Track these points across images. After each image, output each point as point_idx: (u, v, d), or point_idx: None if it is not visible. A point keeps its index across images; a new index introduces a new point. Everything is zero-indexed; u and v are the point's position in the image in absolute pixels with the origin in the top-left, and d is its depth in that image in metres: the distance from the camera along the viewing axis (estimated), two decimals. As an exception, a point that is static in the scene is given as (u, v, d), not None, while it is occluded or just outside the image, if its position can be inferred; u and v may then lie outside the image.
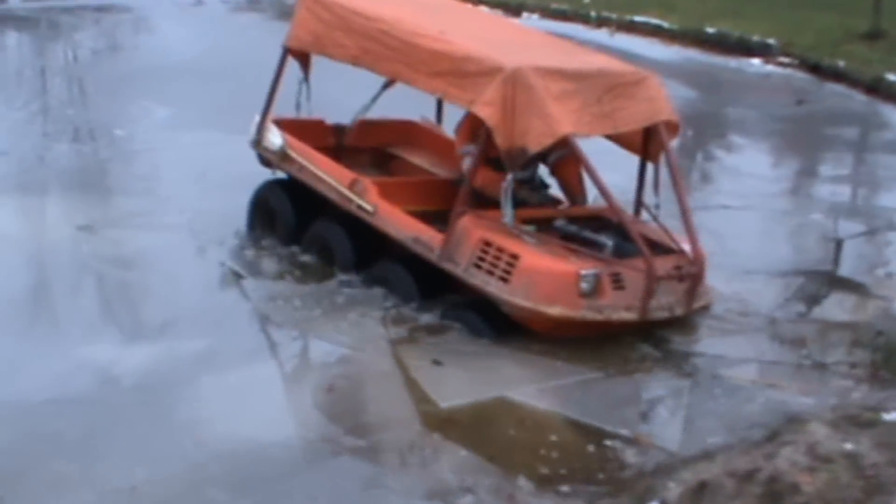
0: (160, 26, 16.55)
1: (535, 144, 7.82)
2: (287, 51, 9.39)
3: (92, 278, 8.84)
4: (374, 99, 9.79)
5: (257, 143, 9.47)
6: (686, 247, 8.13)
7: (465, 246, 7.96)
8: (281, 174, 9.51)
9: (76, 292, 8.55)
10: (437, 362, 7.61)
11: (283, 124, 9.45)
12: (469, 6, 10.77)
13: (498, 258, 7.81)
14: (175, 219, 9.89)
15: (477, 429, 6.89)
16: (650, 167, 8.69)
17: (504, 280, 7.76)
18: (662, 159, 8.56)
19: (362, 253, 8.75)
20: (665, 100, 8.50)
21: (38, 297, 8.41)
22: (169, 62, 14.59)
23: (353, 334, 7.98)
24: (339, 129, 10.00)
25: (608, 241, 8.25)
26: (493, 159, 8.22)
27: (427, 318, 8.18)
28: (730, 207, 10.91)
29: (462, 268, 7.95)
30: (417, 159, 9.98)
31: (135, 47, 15.48)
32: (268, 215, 9.48)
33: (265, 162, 9.55)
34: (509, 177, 8.03)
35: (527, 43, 9.08)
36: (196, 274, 8.96)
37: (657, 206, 8.58)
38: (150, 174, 10.94)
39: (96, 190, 10.59)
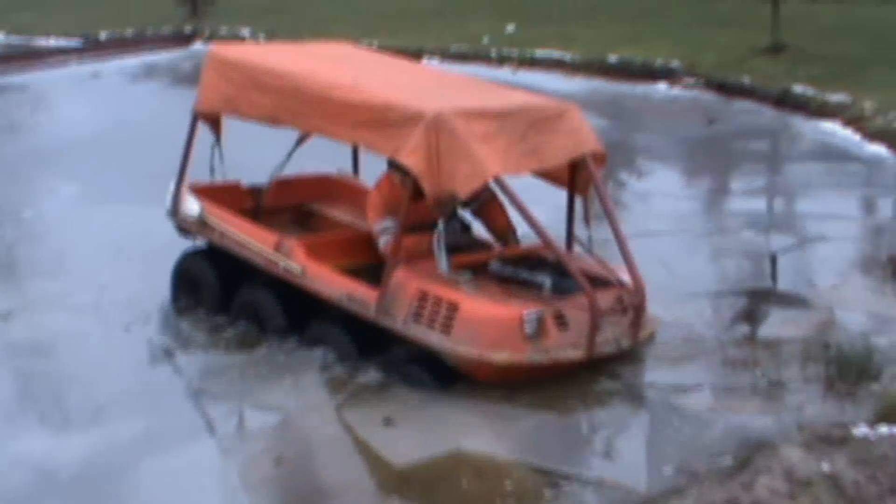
0: (59, 102, 16.15)
1: (464, 188, 7.62)
2: (197, 115, 9.10)
3: (11, 369, 8.40)
4: (289, 156, 9.57)
5: (174, 212, 9.15)
6: (624, 277, 7.98)
7: (401, 299, 7.72)
8: (200, 242, 9.21)
9: (-3, 385, 8.13)
10: (388, 421, 7.34)
11: (198, 191, 9.16)
12: (376, 53, 10.59)
13: (437, 309, 7.58)
14: (94, 297, 9.52)
15: (434, 486, 6.64)
16: (578, 200, 8.51)
17: (445, 331, 7.53)
18: (591, 191, 8.40)
19: (294, 316, 8.46)
20: (588, 131, 8.38)
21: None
22: (72, 138, 14.20)
23: (294, 400, 7.71)
24: (256, 191, 9.72)
25: (546, 279, 8.06)
26: (411, 226, 8.02)
27: (368, 377, 7.91)
28: (658, 233, 10.78)
29: (400, 322, 7.70)
30: (338, 213, 9.75)
31: (35, 125, 15.04)
32: (192, 286, 9.18)
33: (183, 231, 9.25)
34: (440, 224, 7.79)
35: (442, 86, 8.93)
36: (123, 354, 8.61)
37: (589, 239, 8.41)
38: (62, 253, 10.54)
39: (7, 275, 10.15)
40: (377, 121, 7.89)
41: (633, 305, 7.87)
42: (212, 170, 9.25)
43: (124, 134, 14.36)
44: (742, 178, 13.13)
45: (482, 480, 6.66)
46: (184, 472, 6.78)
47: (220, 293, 8.96)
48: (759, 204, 11.76)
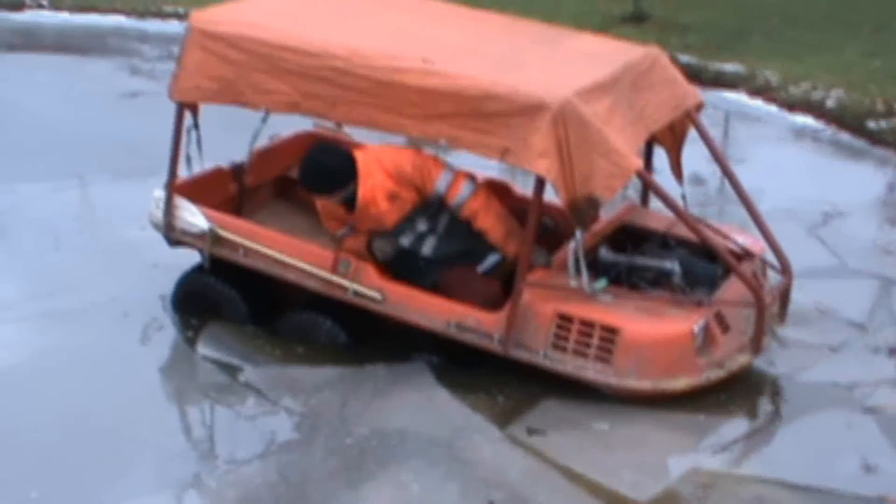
0: None
1: (606, 190, 6.30)
2: (182, 106, 7.27)
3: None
4: (264, 119, 7.71)
5: (168, 227, 7.40)
6: (740, 239, 7.22)
7: (535, 326, 6.48)
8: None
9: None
10: (533, 431, 6.28)
11: (183, 189, 7.46)
12: None
13: (587, 335, 6.39)
14: (67, 301, 7.64)
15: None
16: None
17: (604, 361, 6.38)
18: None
19: (357, 332, 7.13)
20: (682, 78, 7.32)
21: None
22: None
23: (437, 421, 6.37)
24: (238, 171, 8.02)
25: (674, 265, 6.97)
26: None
27: (509, 388, 6.69)
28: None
29: (541, 354, 6.48)
30: None
31: None
32: (206, 306, 7.49)
33: (180, 244, 7.51)
34: (577, 235, 6.45)
35: (517, 43, 7.25)
36: (175, 376, 7.02)
37: (684, 198, 7.29)
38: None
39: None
40: (468, 112, 6.35)
41: (781, 287, 7.04)
42: (188, 159, 7.48)
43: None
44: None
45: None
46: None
47: (247, 313, 7.37)
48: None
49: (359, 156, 6.70)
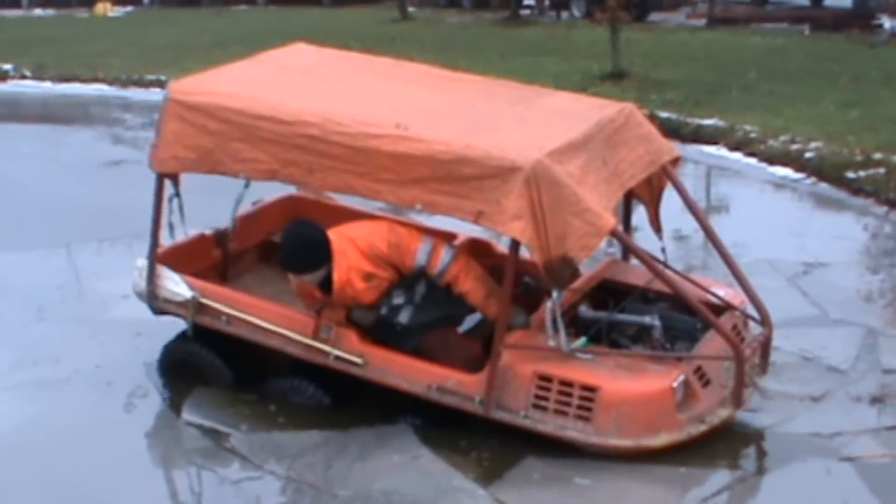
0: None
1: (581, 250, 6.33)
2: (161, 176, 7.32)
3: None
4: (246, 184, 7.77)
5: (152, 295, 7.44)
6: (720, 292, 7.27)
7: (515, 387, 6.51)
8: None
9: None
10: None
11: (166, 258, 7.53)
12: (359, 58, 8.56)
13: (567, 394, 6.43)
14: (51, 370, 7.71)
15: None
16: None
17: (584, 420, 6.40)
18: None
19: (338, 392, 7.18)
20: (656, 133, 7.41)
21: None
22: None
23: (422, 483, 6.36)
24: (221, 237, 8.07)
25: (655, 320, 7.02)
26: None
27: (488, 444, 6.69)
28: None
29: (521, 414, 6.51)
30: None
31: None
32: (192, 373, 7.52)
33: (163, 313, 7.55)
34: (554, 295, 6.47)
35: (489, 106, 7.28)
36: (158, 443, 7.02)
37: (664, 251, 7.44)
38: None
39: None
40: (443, 177, 6.40)
41: (762, 339, 7.08)
42: (171, 227, 7.54)
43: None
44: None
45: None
46: None
47: (234, 378, 7.43)
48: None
49: (332, 238, 6.69)
